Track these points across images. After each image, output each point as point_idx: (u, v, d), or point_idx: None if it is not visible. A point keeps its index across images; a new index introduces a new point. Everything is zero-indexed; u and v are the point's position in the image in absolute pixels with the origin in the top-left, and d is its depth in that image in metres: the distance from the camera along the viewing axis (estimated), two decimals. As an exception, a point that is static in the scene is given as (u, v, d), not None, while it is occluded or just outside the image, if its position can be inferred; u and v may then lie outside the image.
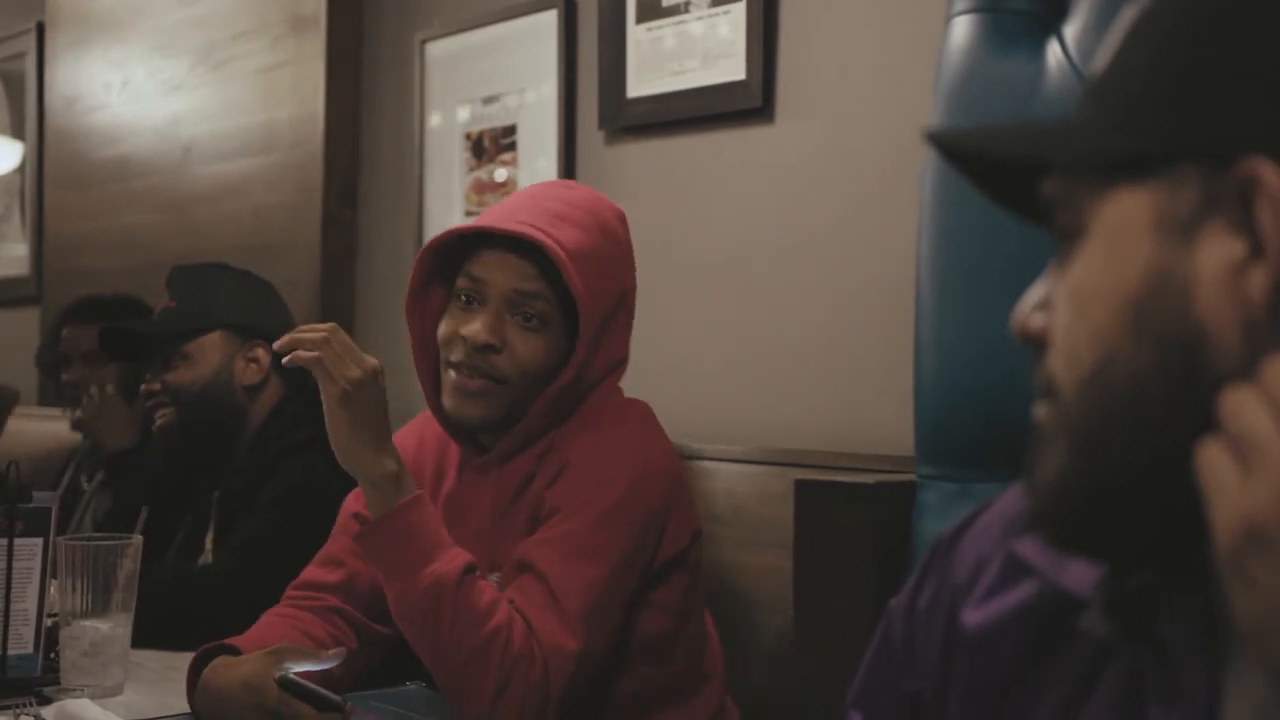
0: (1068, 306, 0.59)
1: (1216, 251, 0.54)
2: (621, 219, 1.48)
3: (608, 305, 1.41)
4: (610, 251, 1.42)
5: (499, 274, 1.39)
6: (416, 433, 1.57)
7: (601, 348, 1.43)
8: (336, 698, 1.26)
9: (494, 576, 1.40)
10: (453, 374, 1.41)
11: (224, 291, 2.04)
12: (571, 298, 1.38)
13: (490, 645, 1.26)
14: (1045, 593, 0.67)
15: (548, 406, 1.41)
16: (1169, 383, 0.55)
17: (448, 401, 1.42)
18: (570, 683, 1.29)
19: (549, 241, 1.36)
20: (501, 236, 1.39)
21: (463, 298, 1.41)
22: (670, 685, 1.45)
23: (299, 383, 2.00)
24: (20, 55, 3.89)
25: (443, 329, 1.42)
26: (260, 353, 2.00)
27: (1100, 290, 0.58)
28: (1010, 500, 0.73)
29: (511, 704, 1.26)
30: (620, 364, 1.48)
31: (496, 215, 1.41)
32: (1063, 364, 0.59)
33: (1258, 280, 0.53)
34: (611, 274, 1.42)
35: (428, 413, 1.52)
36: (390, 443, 1.33)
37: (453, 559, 1.29)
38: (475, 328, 1.38)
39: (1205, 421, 0.53)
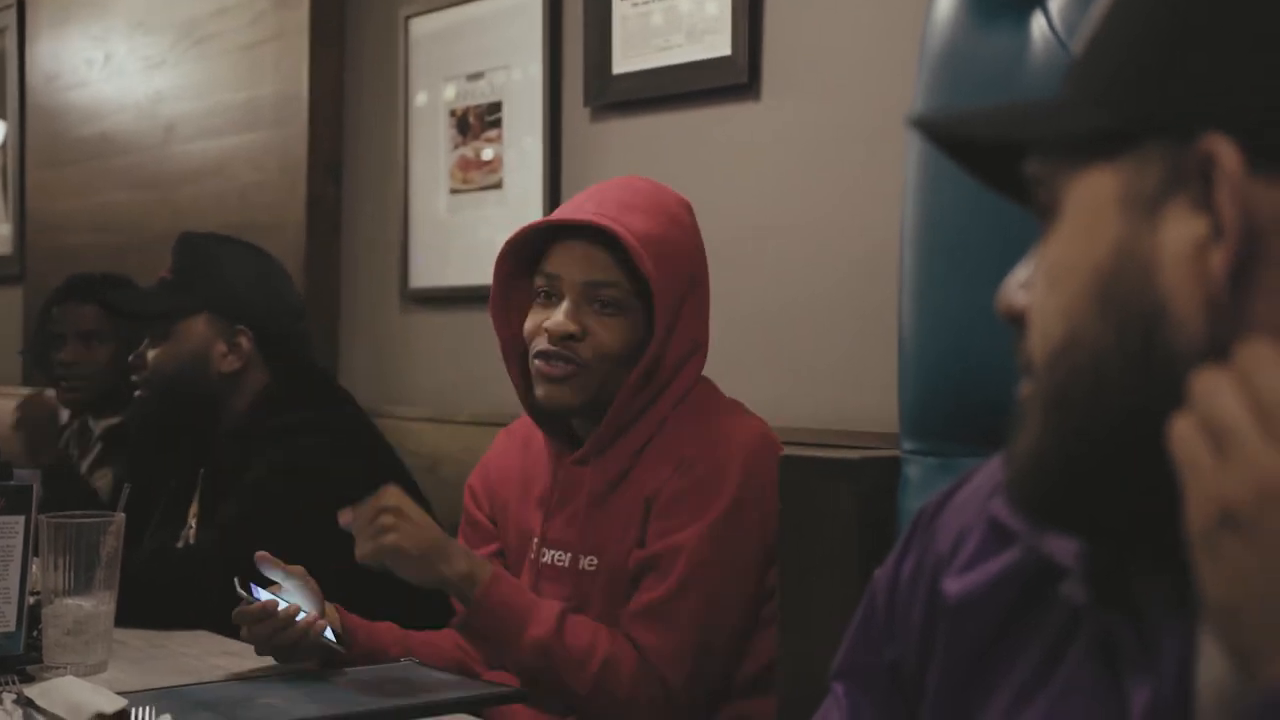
0: (1041, 285, 0.60)
1: (1179, 229, 0.54)
2: (687, 208, 1.53)
3: (679, 288, 1.47)
4: (677, 237, 1.48)
5: (572, 266, 1.46)
6: (497, 451, 1.65)
7: (677, 330, 1.47)
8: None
9: (587, 559, 1.48)
10: (539, 363, 1.47)
11: (217, 270, 1.98)
12: (642, 282, 1.44)
13: (603, 679, 1.38)
14: (1027, 559, 0.67)
15: (633, 392, 1.46)
16: (1128, 358, 0.55)
17: (539, 390, 1.48)
18: (691, 678, 1.40)
19: (619, 228, 1.41)
20: (572, 230, 1.45)
21: (541, 295, 1.48)
22: (766, 669, 1.47)
23: (287, 368, 1.98)
24: (0, 31, 3.86)
25: (527, 326, 1.50)
26: (243, 340, 1.95)
27: (1070, 267, 0.58)
28: (991, 471, 0.73)
29: (639, 714, 1.39)
30: (699, 348, 1.53)
31: (566, 210, 1.49)
32: (1037, 340, 0.60)
33: (1218, 259, 0.53)
34: (680, 258, 1.47)
35: (511, 425, 1.64)
36: (449, 541, 1.42)
37: (545, 619, 1.39)
38: (558, 319, 1.45)
39: (1164, 398, 0.54)
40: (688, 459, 1.43)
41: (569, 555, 1.49)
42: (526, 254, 1.51)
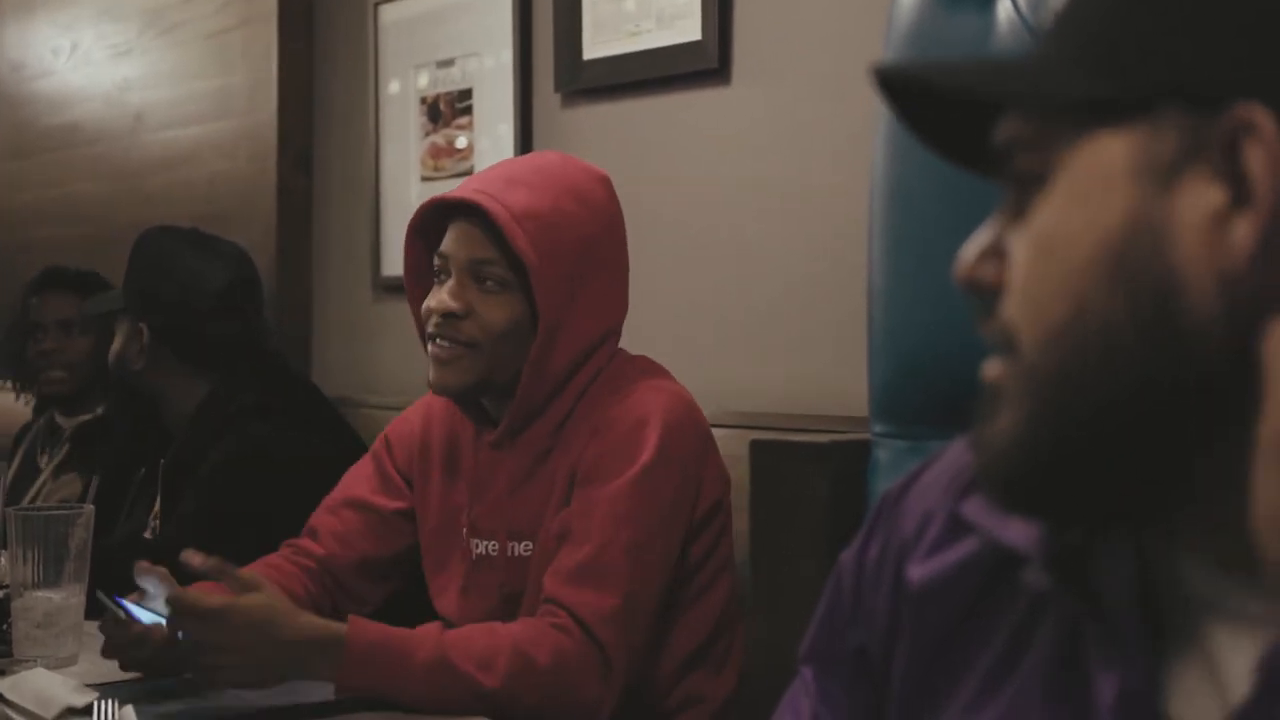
0: (1033, 255, 0.57)
1: (1197, 200, 0.53)
2: (599, 180, 1.50)
3: (565, 265, 1.43)
4: (571, 213, 1.44)
5: (457, 245, 1.45)
6: (422, 412, 1.61)
7: (579, 309, 1.44)
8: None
9: (519, 545, 1.46)
10: (430, 345, 1.46)
11: (134, 266, 1.99)
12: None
13: (522, 673, 1.30)
14: (987, 548, 0.66)
15: (535, 372, 1.43)
16: (1142, 333, 0.53)
17: (429, 375, 1.46)
18: (624, 641, 1.35)
19: (493, 205, 1.40)
20: (463, 209, 1.44)
21: (438, 276, 1.47)
22: (705, 644, 1.47)
23: (198, 363, 1.95)
24: (-35, 21, 3.81)
25: (422, 308, 1.48)
26: (141, 335, 1.95)
27: (1073, 238, 0.55)
28: (955, 454, 0.73)
29: (577, 688, 1.32)
30: (612, 329, 1.50)
31: (457, 187, 1.47)
32: (1028, 314, 0.56)
33: (1241, 231, 0.52)
34: (569, 234, 1.43)
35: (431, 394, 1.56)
36: (287, 624, 1.28)
37: (424, 640, 1.30)
38: (441, 297, 1.44)
39: (1174, 371, 0.52)
40: (605, 422, 1.42)
41: (496, 544, 1.47)
42: (436, 236, 1.49)
